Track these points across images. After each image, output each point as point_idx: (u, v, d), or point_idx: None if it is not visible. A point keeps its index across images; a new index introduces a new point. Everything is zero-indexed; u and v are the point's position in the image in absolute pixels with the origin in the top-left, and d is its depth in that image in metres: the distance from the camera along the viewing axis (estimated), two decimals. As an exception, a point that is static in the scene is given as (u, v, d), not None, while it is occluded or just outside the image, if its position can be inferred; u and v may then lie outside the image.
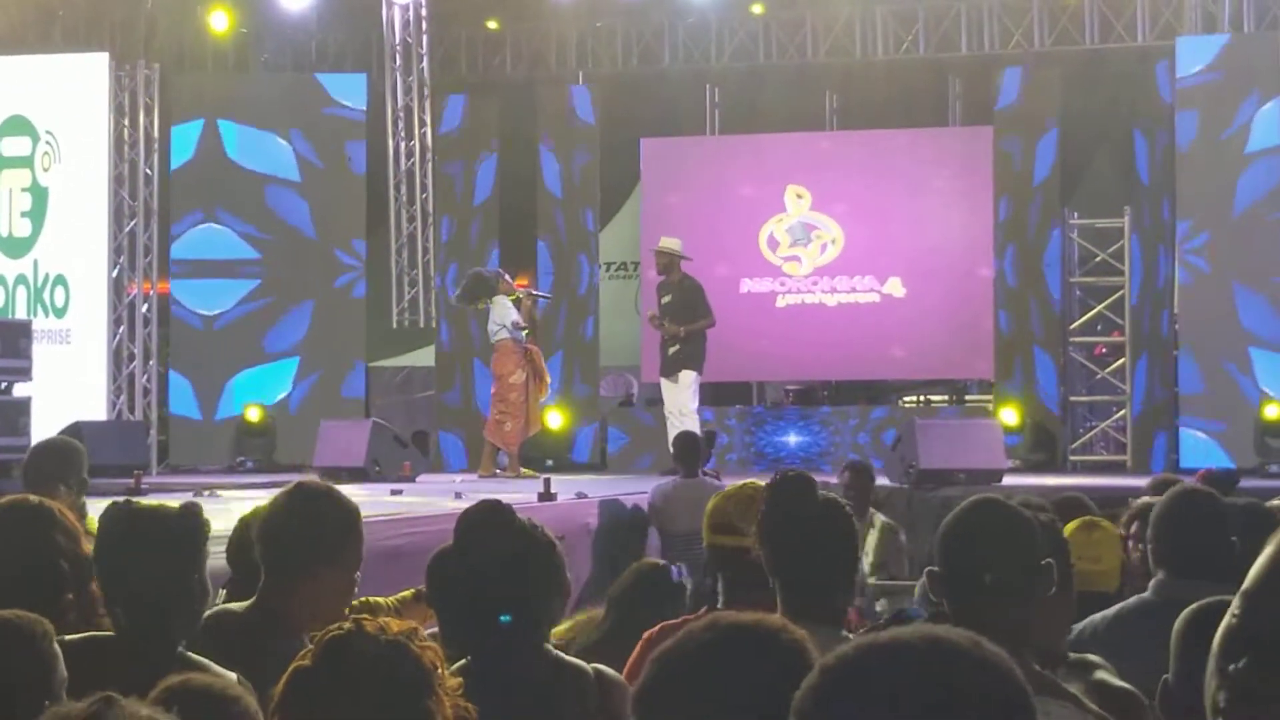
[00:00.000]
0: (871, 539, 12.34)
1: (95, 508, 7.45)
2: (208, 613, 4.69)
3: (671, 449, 15.34)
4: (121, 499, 4.58)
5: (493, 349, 18.52)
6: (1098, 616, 5.68)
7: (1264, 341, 18.40)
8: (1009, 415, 19.59)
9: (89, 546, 4.78)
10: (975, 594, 4.00)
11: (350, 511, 4.89)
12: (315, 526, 4.82)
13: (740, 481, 5.62)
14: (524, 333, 18.30)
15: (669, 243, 18.59)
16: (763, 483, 4.97)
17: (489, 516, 4.62)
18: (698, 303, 18.34)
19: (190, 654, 4.30)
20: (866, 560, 11.59)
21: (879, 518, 12.82)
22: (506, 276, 18.96)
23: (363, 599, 5.65)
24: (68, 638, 4.27)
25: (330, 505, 4.88)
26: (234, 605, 4.94)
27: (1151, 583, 5.69)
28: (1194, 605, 4.17)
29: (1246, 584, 2.32)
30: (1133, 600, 5.74)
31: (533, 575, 4.53)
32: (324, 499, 4.92)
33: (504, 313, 18.31)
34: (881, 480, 16.72)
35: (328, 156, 21.05)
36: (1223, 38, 19.33)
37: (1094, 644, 5.18)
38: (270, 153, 21.06)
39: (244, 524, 5.80)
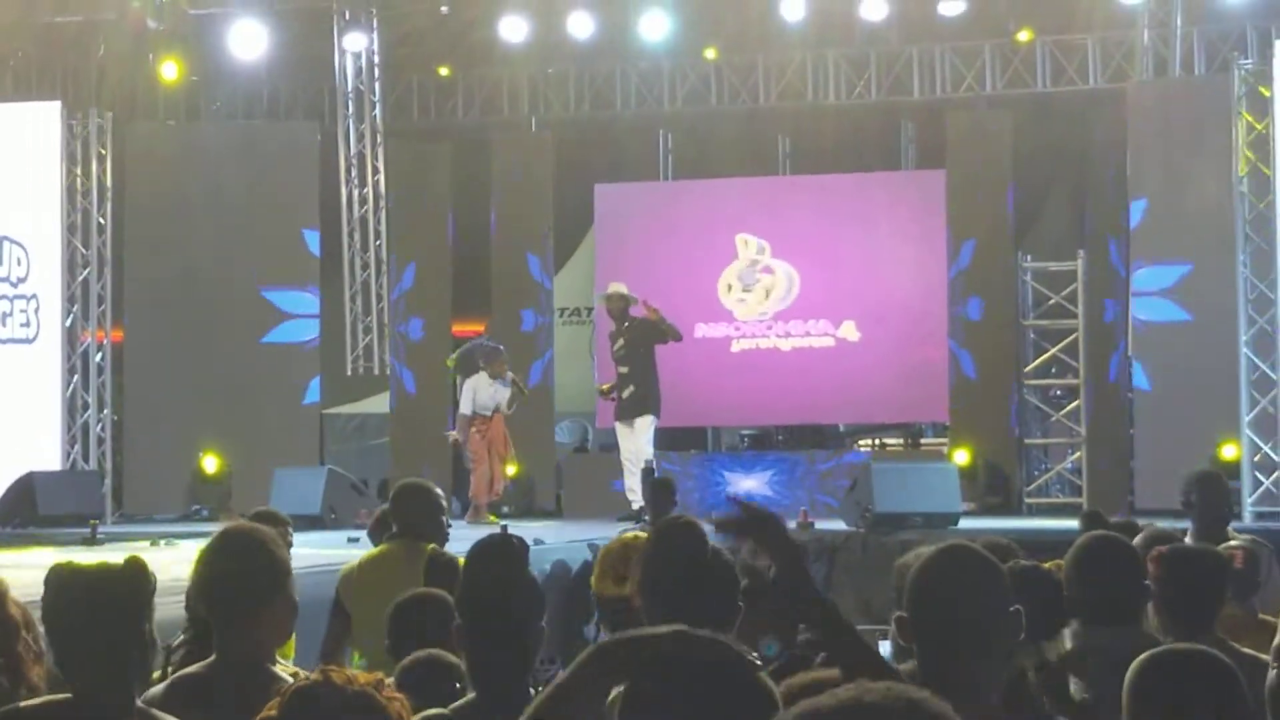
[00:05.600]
0: None
1: (51, 556, 7.43)
2: (171, 678, 4.75)
3: (644, 492, 15.33)
4: (63, 560, 4.51)
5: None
6: None
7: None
8: (961, 456, 19.57)
9: (13, 609, 4.75)
10: (944, 640, 3.96)
11: (277, 548, 4.91)
12: (247, 571, 4.83)
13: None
14: (491, 411, 18.60)
15: (617, 286, 18.54)
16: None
17: (501, 547, 4.60)
18: (652, 333, 18.21)
19: (149, 708, 4.28)
20: None
21: None
22: (501, 353, 18.98)
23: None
24: (23, 704, 4.25)
25: (258, 547, 4.89)
26: (194, 668, 4.90)
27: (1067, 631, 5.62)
28: (1144, 656, 4.17)
29: None
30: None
31: (533, 609, 4.53)
32: (251, 543, 4.92)
33: (472, 390, 18.59)
34: (837, 524, 16.75)
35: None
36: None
37: None
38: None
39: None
